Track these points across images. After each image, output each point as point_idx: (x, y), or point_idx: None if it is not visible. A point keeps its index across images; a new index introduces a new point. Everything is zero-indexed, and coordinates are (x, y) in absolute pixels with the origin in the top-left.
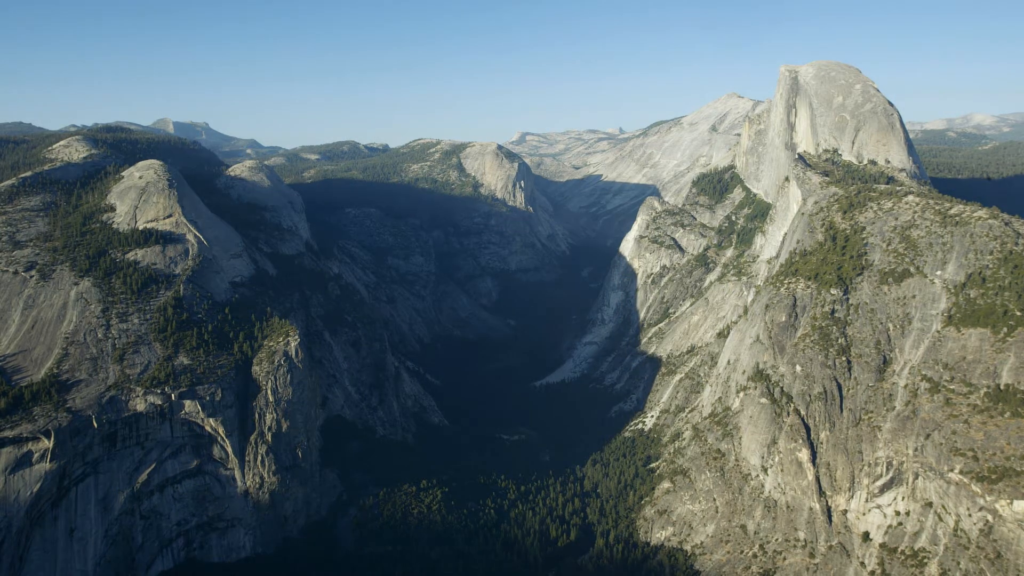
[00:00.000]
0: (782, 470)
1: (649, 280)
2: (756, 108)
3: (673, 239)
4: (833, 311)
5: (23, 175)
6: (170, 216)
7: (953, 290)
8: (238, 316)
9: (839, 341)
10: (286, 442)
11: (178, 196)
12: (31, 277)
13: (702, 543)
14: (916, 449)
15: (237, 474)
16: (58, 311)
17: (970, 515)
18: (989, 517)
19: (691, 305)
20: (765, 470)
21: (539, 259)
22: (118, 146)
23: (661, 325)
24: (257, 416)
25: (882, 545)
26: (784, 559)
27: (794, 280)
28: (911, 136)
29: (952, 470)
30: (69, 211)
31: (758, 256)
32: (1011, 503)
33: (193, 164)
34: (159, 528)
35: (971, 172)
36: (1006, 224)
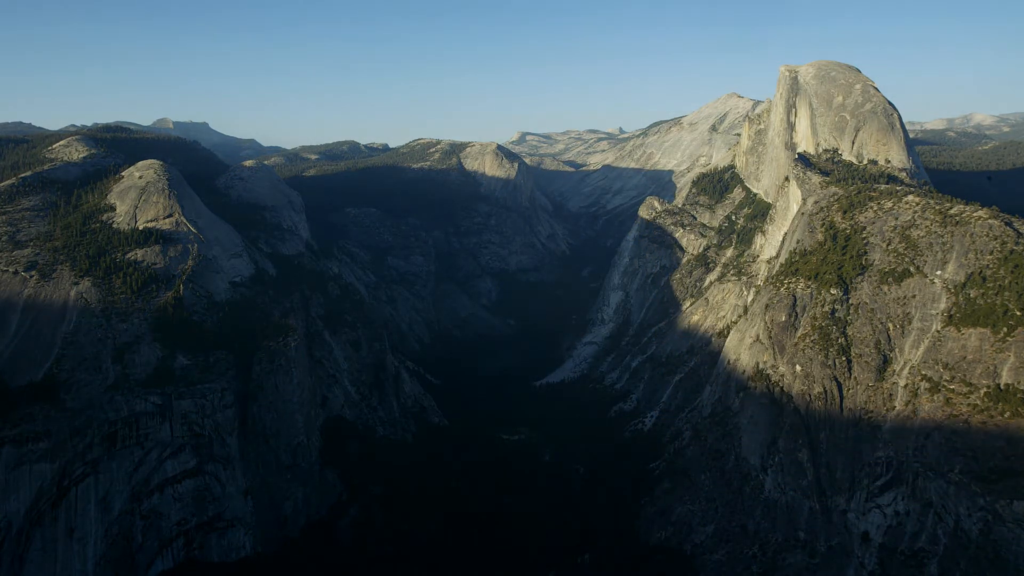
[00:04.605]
0: (782, 470)
1: (649, 280)
2: (756, 108)
3: (673, 239)
4: (833, 311)
5: (23, 175)
6: (170, 216)
7: (953, 290)
8: (238, 316)
9: (839, 341)
10: (286, 442)
11: (178, 196)
12: (31, 277)
13: (702, 543)
14: (916, 449)
15: (237, 474)
16: (58, 311)
17: (970, 515)
18: (989, 517)
19: (691, 305)
20: (765, 470)
21: (539, 259)
22: (118, 146)
23: (661, 325)
24: (257, 416)
25: (882, 545)
26: (784, 559)
27: (794, 280)
28: (911, 136)
29: (952, 470)
30: (69, 211)
31: (758, 256)
32: (1011, 503)
33: (193, 164)
34: (159, 528)
35: (971, 172)
36: (1006, 224)
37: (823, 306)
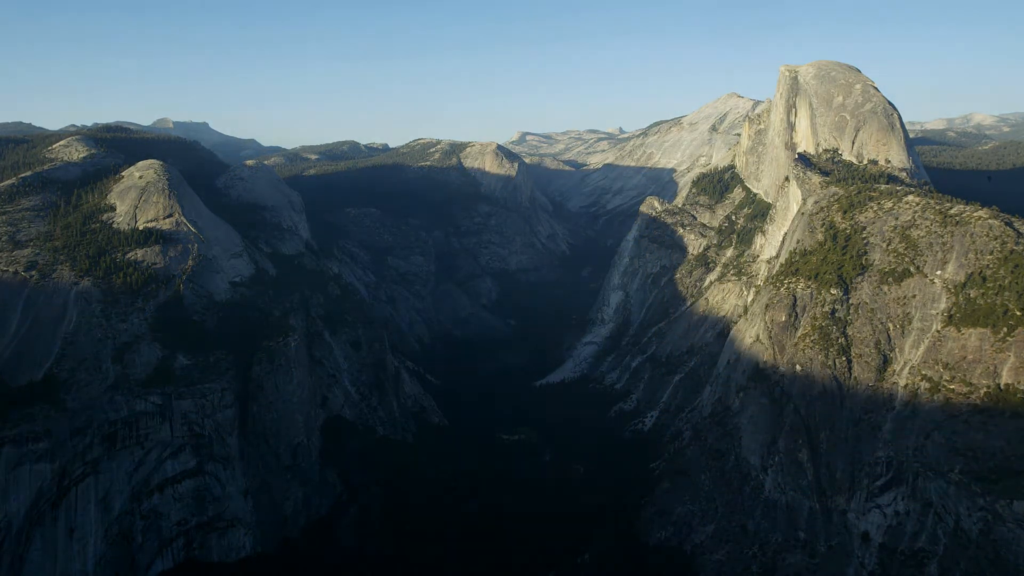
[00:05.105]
0: (782, 470)
1: (649, 280)
2: (756, 108)
3: (673, 239)
4: (833, 311)
5: (23, 175)
6: (170, 216)
7: (953, 290)
8: (238, 316)
9: (839, 341)
10: (286, 442)
11: (178, 196)
12: (31, 277)
13: (702, 543)
14: (916, 449)
15: (237, 474)
16: (58, 311)
17: (970, 515)
18: (989, 517)
19: (691, 305)
20: (765, 470)
21: (539, 259)
22: (118, 146)
23: (661, 325)
24: (257, 416)
25: (882, 545)
26: (784, 559)
27: (794, 280)
28: (911, 136)
29: (952, 470)
30: (69, 211)
31: (758, 256)
32: (1011, 503)
33: (193, 164)
34: (159, 528)
35: (971, 172)
36: (1006, 224)
37: (823, 306)
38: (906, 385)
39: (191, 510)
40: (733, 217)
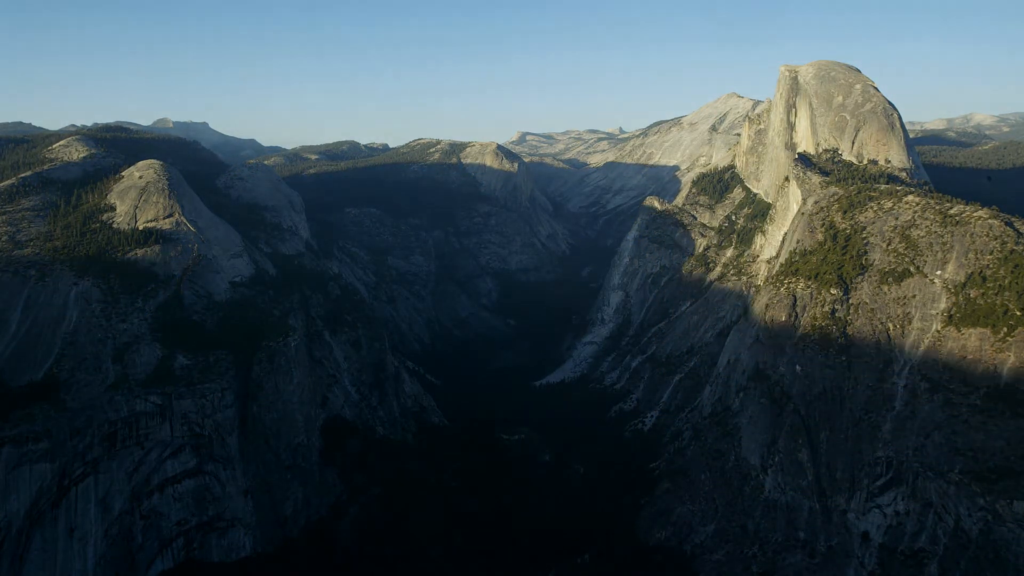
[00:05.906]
0: (782, 470)
1: (649, 280)
2: (756, 108)
3: (673, 239)
4: (833, 311)
5: (23, 175)
6: (170, 216)
7: (953, 290)
8: (238, 316)
9: (839, 341)
10: (286, 442)
11: (178, 196)
12: (31, 277)
13: (702, 543)
14: (916, 449)
15: (237, 474)
16: (58, 311)
17: (970, 515)
18: (989, 517)
19: (691, 305)
20: (765, 470)
21: (539, 259)
22: (118, 146)
23: (661, 325)
24: (257, 416)
25: (882, 545)
26: (784, 559)
27: (794, 280)
28: (911, 136)
29: (952, 470)
30: (69, 211)
31: (758, 256)
32: (1011, 503)
33: (193, 164)
34: (159, 528)
35: (971, 172)
36: (1006, 224)
37: (823, 306)
38: (906, 385)
39: (191, 510)
40: (733, 217)
